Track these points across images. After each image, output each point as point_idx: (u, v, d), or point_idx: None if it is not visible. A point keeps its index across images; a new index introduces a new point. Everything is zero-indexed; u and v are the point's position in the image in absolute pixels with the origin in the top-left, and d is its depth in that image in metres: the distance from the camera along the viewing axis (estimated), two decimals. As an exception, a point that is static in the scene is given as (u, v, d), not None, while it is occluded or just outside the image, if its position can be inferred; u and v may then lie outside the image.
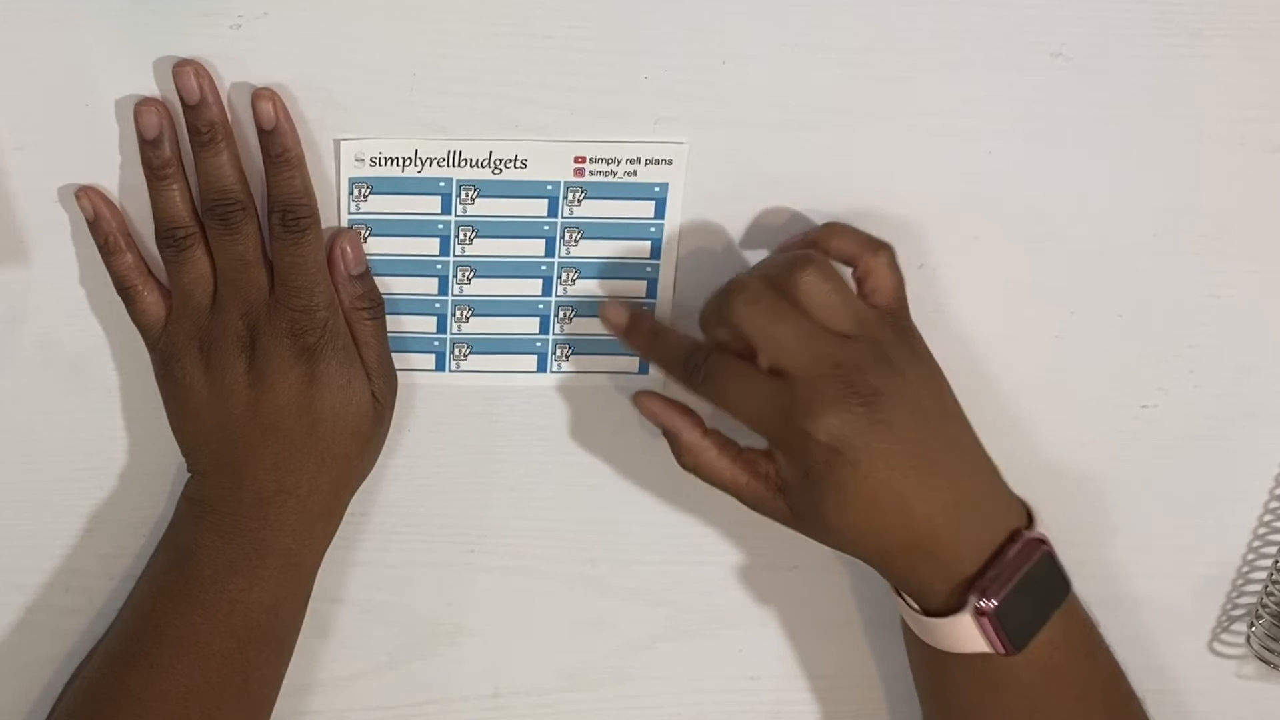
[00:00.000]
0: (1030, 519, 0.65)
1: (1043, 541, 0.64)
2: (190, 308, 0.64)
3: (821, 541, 0.65)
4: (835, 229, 0.65)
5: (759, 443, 0.64)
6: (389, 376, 0.67)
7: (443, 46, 0.63)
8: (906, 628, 0.68)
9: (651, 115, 0.64)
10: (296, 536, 0.65)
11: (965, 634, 0.63)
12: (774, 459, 0.63)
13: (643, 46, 0.63)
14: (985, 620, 0.62)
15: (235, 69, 0.62)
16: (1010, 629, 0.63)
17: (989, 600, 0.62)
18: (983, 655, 0.64)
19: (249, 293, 0.63)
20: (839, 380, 0.60)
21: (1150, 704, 0.69)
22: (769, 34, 0.64)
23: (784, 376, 0.61)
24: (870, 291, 0.64)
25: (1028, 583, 0.63)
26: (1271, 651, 0.76)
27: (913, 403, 0.61)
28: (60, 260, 0.65)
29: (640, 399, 0.67)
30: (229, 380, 0.64)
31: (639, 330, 0.66)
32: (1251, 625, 0.77)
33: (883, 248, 0.64)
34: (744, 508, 0.73)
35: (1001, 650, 0.63)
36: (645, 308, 0.69)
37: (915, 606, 0.65)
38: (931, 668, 0.68)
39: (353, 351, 0.65)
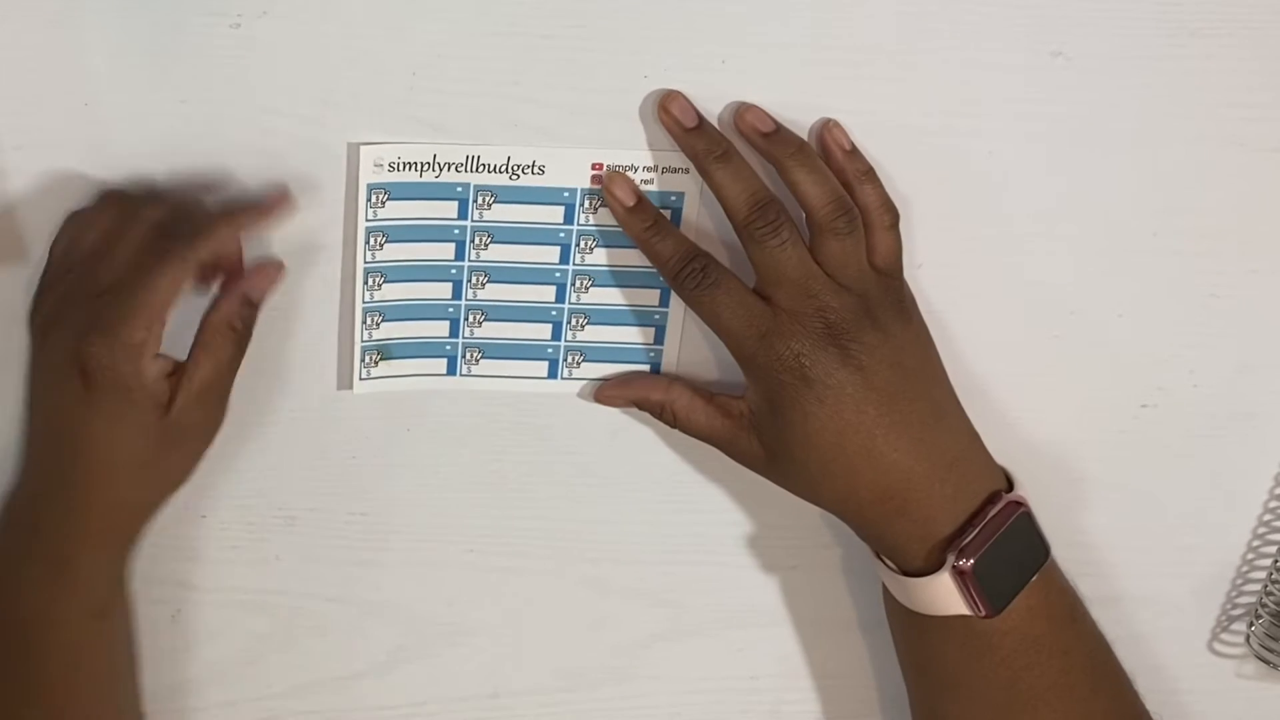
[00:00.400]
0: (1010, 484, 0.66)
1: (1020, 504, 0.65)
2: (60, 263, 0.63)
3: (796, 492, 0.66)
4: (870, 177, 0.65)
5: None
6: (207, 406, 0.63)
7: (443, 46, 0.63)
8: (888, 598, 0.68)
9: (652, 115, 0.64)
10: (63, 549, 0.62)
11: (944, 594, 0.64)
12: (746, 399, 0.65)
13: (643, 46, 0.63)
14: (963, 579, 0.63)
15: (235, 69, 0.62)
16: (989, 590, 0.63)
17: (966, 559, 0.63)
18: (963, 619, 0.64)
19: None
20: (819, 319, 0.62)
21: (1150, 704, 0.69)
22: (769, 34, 0.64)
23: (771, 304, 0.63)
24: (870, 250, 0.64)
25: (1006, 544, 0.64)
26: (1271, 651, 0.76)
27: (892, 358, 0.63)
28: (60, 260, 0.65)
29: (600, 395, 0.69)
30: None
31: (642, 216, 0.65)
32: (1251, 625, 0.77)
33: (893, 211, 0.65)
34: (743, 509, 0.73)
35: (981, 611, 0.63)
36: (658, 316, 0.69)
37: (894, 567, 0.66)
38: (913, 636, 0.68)
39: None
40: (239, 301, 0.62)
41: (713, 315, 0.63)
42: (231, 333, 0.62)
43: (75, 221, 0.63)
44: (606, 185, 0.65)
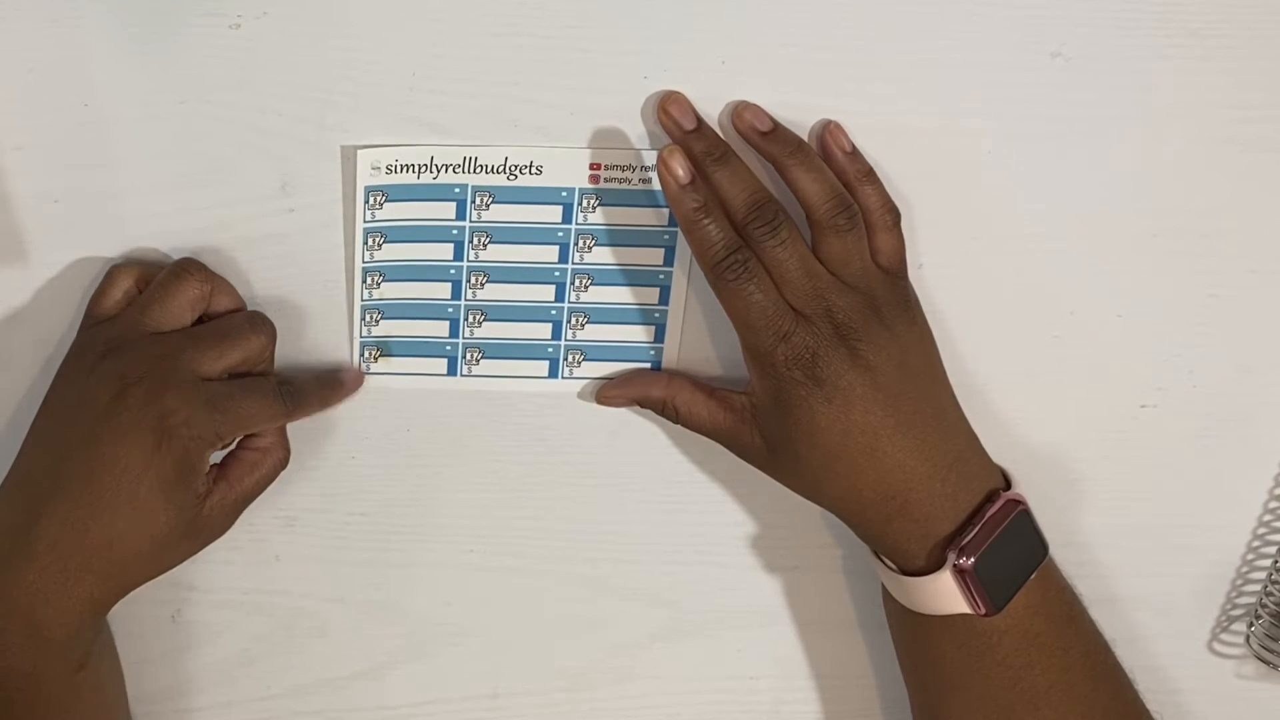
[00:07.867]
0: (1008, 482, 0.66)
1: (1019, 501, 0.65)
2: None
3: (796, 489, 0.66)
4: (871, 178, 0.65)
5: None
6: (231, 515, 0.65)
7: (443, 46, 0.63)
8: (888, 599, 0.68)
9: (651, 115, 0.64)
10: (40, 610, 0.61)
11: (945, 593, 0.64)
12: (750, 394, 0.65)
13: (642, 46, 0.63)
14: (964, 578, 0.63)
15: (235, 69, 0.62)
16: (990, 588, 0.63)
17: (967, 558, 0.63)
18: (963, 619, 0.64)
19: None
20: (827, 319, 0.62)
21: (1150, 704, 0.69)
22: (768, 34, 0.64)
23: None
24: (874, 251, 0.65)
25: (1005, 542, 0.64)
26: (1271, 651, 0.76)
27: (898, 358, 0.63)
28: (60, 260, 0.65)
29: (601, 397, 0.69)
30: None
31: (693, 194, 0.62)
32: (1251, 625, 0.77)
33: (894, 211, 0.65)
34: (743, 509, 0.73)
35: (981, 610, 0.64)
36: (658, 314, 0.69)
37: (894, 567, 0.66)
38: (913, 636, 0.68)
39: (193, 464, 0.62)
40: (285, 450, 0.67)
41: (741, 309, 0.62)
42: (281, 466, 0.66)
43: (185, 270, 0.64)
44: (661, 161, 0.62)
